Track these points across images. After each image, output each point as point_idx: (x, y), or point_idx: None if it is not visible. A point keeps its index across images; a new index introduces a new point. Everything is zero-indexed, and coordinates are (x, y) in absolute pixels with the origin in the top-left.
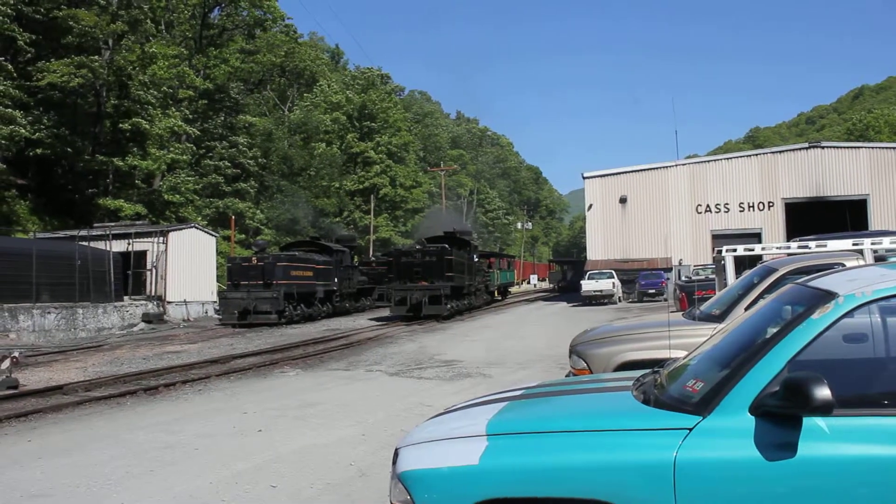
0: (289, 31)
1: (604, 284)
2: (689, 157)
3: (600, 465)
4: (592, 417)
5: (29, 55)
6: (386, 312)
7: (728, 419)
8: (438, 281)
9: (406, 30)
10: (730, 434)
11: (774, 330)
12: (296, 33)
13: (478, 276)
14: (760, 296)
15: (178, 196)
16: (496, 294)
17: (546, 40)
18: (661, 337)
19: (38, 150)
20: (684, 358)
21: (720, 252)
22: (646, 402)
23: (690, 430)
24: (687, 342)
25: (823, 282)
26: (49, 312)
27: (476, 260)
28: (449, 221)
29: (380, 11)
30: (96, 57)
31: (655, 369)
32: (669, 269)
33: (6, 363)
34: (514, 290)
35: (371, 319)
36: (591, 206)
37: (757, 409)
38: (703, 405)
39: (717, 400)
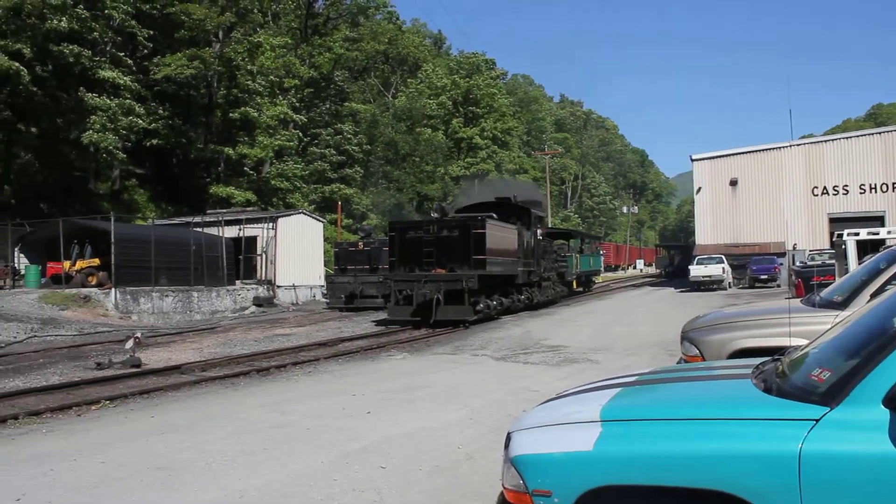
0: (392, 18)
1: (713, 269)
2: (804, 137)
3: (720, 454)
4: (712, 405)
5: (146, 50)
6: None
7: (858, 411)
8: (462, 267)
9: (508, 13)
10: (860, 427)
11: None
12: (398, 20)
13: (544, 262)
14: (888, 282)
15: (285, 182)
16: (575, 285)
17: (652, 27)
18: (778, 324)
19: (155, 141)
20: (806, 346)
21: (840, 236)
22: (767, 390)
23: (817, 421)
24: (807, 329)
25: None
26: (167, 295)
27: (542, 238)
28: (516, 190)
29: None
30: (207, 49)
31: (776, 357)
32: (783, 254)
33: (130, 343)
34: (612, 276)
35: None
36: (699, 189)
37: (891, 401)
38: (831, 396)
39: (846, 390)
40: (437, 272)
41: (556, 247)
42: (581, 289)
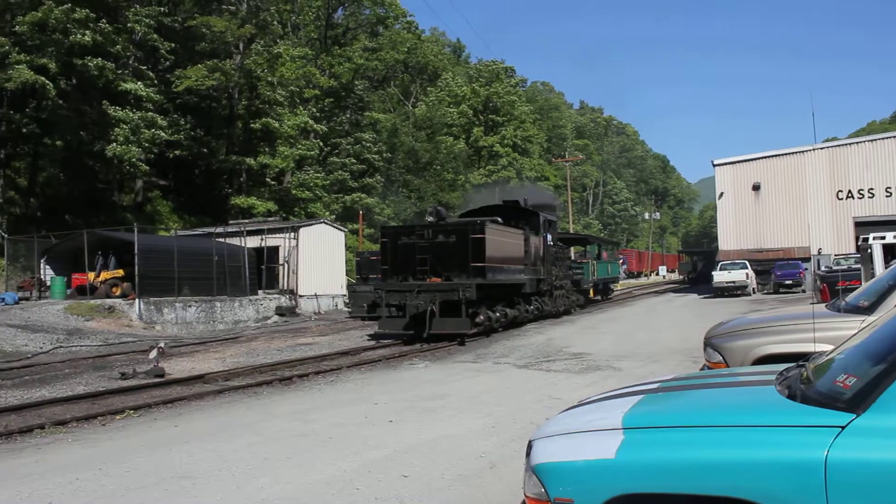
0: (411, 28)
1: (737, 275)
2: (827, 140)
3: (744, 462)
4: (735, 412)
5: (168, 63)
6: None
7: (885, 418)
8: (460, 276)
9: (528, 22)
10: (888, 434)
11: None
12: (417, 29)
13: (556, 269)
14: None
15: (306, 192)
16: (592, 293)
17: (672, 34)
18: (803, 329)
19: (178, 152)
20: (832, 351)
21: (866, 240)
22: (791, 397)
23: (843, 428)
24: (833, 335)
25: None
26: (190, 306)
27: (552, 244)
28: (524, 193)
29: (500, 4)
30: (228, 61)
31: (800, 363)
32: (807, 259)
33: (154, 353)
34: (634, 283)
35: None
36: (721, 194)
37: None
38: (857, 402)
39: (872, 397)
40: (433, 281)
41: (578, 254)
42: (598, 297)
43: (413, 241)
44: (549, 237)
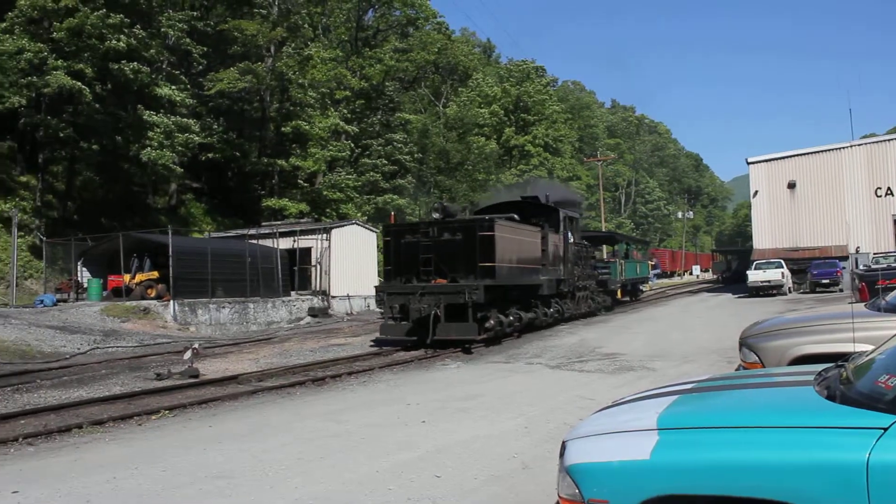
0: (441, 28)
1: (772, 274)
2: (865, 136)
3: (783, 464)
4: (773, 413)
5: (201, 67)
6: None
7: None
8: (467, 277)
9: (558, 21)
10: None
11: None
12: (448, 30)
13: (578, 269)
14: None
15: (338, 193)
16: (620, 294)
17: (705, 34)
18: (841, 329)
19: (210, 155)
20: (872, 351)
21: None
22: (831, 398)
23: (885, 429)
24: (873, 335)
25: None
26: (223, 307)
27: (576, 242)
28: (546, 191)
29: (530, 4)
30: (260, 63)
31: (839, 363)
32: (845, 258)
33: (188, 354)
34: (667, 282)
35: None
36: (756, 192)
37: None
38: None
39: None
40: (438, 283)
41: (609, 254)
42: (627, 298)
43: (417, 239)
44: (571, 235)
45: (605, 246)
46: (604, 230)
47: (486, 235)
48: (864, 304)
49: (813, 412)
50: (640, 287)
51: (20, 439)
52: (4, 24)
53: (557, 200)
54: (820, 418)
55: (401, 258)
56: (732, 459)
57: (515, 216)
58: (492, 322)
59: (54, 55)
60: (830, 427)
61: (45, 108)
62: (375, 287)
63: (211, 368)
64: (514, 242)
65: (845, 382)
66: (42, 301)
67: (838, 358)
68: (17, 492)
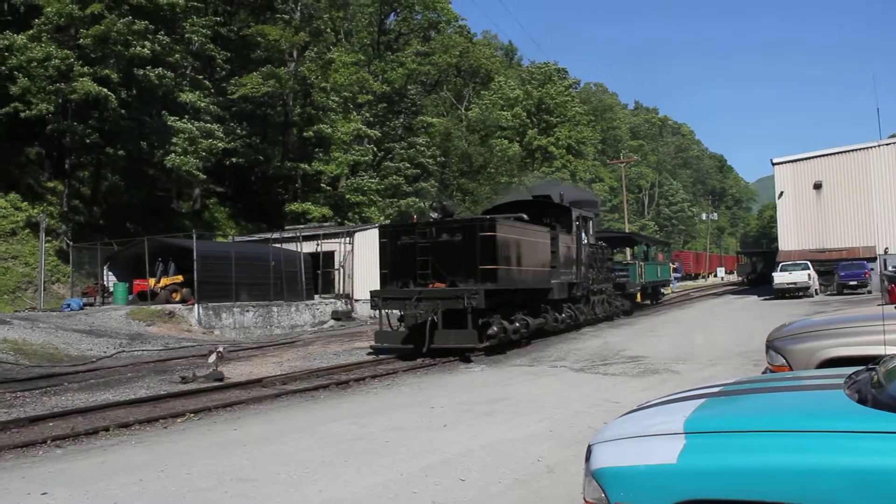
0: (463, 31)
1: (798, 276)
2: (893, 136)
3: (813, 468)
4: (803, 417)
5: (224, 72)
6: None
7: None
8: (467, 280)
9: (580, 23)
10: None
11: None
12: (469, 33)
13: (593, 272)
14: None
15: (361, 197)
16: (639, 297)
17: (729, 35)
18: (871, 331)
19: (234, 160)
20: None
21: None
22: (862, 401)
23: None
24: None
25: None
26: (247, 311)
27: (590, 244)
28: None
29: (552, 6)
30: (282, 68)
31: (870, 366)
32: (873, 259)
33: (213, 357)
34: (691, 284)
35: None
36: (781, 193)
37: None
38: None
39: None
40: (435, 287)
41: (637, 254)
42: (648, 301)
43: (414, 240)
44: (585, 236)
45: (627, 248)
46: (626, 231)
47: (487, 236)
48: (893, 305)
49: (845, 416)
50: (661, 290)
51: (48, 441)
52: (32, 32)
53: (572, 200)
54: (852, 422)
55: (398, 261)
56: (762, 464)
57: (524, 216)
58: (494, 329)
59: (80, 62)
60: (863, 431)
61: (71, 115)
62: (371, 292)
63: (235, 372)
64: (520, 243)
65: (877, 386)
66: (69, 305)
67: (868, 361)
68: (47, 493)
